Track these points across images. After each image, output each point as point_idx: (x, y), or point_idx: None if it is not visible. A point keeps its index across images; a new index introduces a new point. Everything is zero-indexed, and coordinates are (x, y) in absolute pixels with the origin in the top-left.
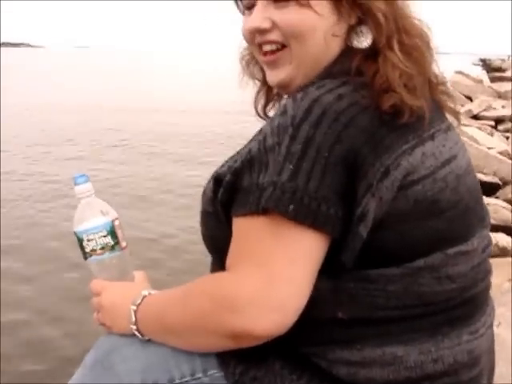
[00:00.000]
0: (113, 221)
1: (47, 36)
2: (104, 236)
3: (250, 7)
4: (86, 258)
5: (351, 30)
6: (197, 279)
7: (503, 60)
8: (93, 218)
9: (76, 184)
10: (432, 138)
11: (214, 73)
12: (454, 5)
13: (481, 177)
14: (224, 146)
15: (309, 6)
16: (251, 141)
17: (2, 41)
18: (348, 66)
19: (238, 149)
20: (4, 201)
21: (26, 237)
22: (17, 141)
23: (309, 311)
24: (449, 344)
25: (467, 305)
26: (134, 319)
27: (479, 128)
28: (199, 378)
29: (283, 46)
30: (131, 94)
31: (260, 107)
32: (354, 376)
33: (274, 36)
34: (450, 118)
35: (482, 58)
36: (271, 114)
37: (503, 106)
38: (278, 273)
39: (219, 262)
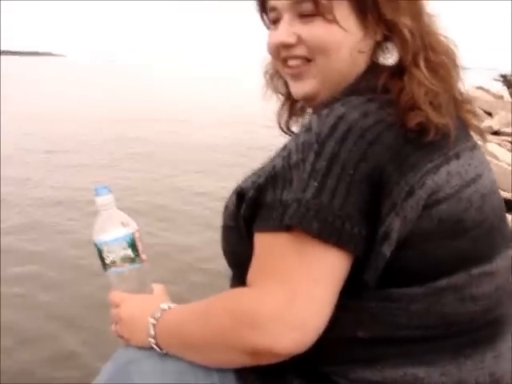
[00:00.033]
0: (133, 233)
1: (68, 46)
2: (124, 248)
3: (275, 21)
4: (105, 270)
5: (377, 47)
6: (217, 294)
7: None
8: (113, 230)
9: (97, 195)
10: (457, 156)
11: (228, 84)
12: (474, 19)
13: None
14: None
15: (335, 22)
16: (275, 156)
17: (25, 50)
18: (374, 82)
19: (255, 160)
20: (17, 207)
21: (47, 245)
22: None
23: (329, 330)
24: (471, 366)
25: (491, 326)
26: (152, 332)
27: (499, 144)
28: None
29: (308, 60)
30: (149, 103)
31: (283, 121)
32: None
33: (299, 51)
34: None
35: (503, 73)
36: (294, 128)
37: None
38: (300, 291)
39: (239, 277)
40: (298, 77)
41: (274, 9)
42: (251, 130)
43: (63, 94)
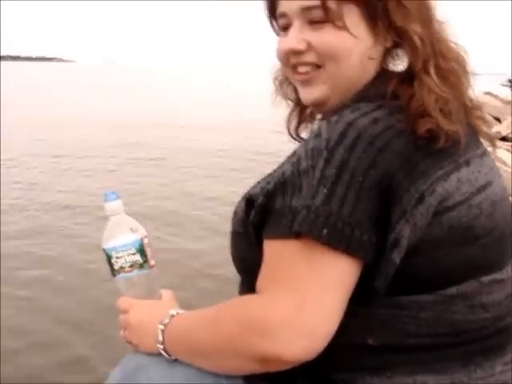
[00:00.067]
0: (142, 239)
1: (78, 51)
2: (133, 254)
3: (285, 28)
4: (114, 275)
5: (387, 53)
6: (226, 301)
7: None
8: (122, 236)
9: (106, 201)
10: (467, 163)
11: (230, 89)
12: (482, 24)
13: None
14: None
15: (345, 29)
16: (284, 162)
17: (36, 55)
18: (384, 89)
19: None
20: (25, 211)
21: (58, 249)
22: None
23: (339, 337)
24: (482, 374)
25: (501, 334)
26: (161, 338)
27: (507, 150)
28: None
29: (318, 67)
30: (158, 108)
31: (292, 128)
32: None
33: (309, 57)
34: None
35: (511, 78)
36: (303, 134)
37: None
38: (309, 298)
39: (248, 284)
40: (307, 83)
41: (283, 15)
42: (260, 135)
43: (72, 100)
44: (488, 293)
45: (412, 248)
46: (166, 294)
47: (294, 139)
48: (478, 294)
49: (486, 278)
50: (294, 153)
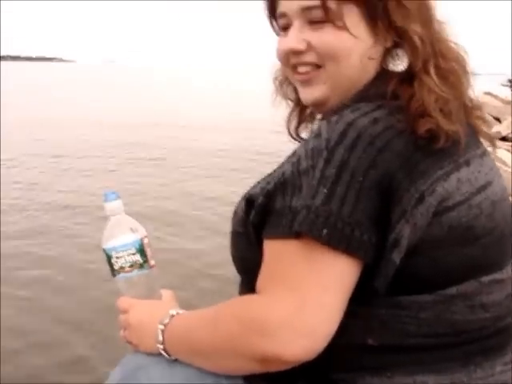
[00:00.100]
0: (142, 239)
1: (78, 51)
2: (133, 254)
3: (285, 28)
4: (114, 275)
5: (387, 53)
6: (226, 301)
7: None
8: (122, 236)
9: (106, 201)
10: (467, 163)
11: (229, 89)
12: (482, 24)
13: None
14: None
15: (345, 29)
16: (284, 162)
17: (36, 55)
18: (383, 89)
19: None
20: (25, 211)
21: (58, 249)
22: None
23: (339, 337)
24: (482, 374)
25: (501, 334)
26: (161, 339)
27: (507, 150)
28: None
29: (318, 67)
30: (158, 108)
31: (292, 128)
32: None
33: (309, 58)
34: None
35: (511, 78)
36: (303, 134)
37: None
38: (309, 298)
39: (248, 283)
40: (307, 82)
41: (283, 15)
42: (260, 135)
43: (72, 99)
44: (488, 293)
45: (412, 248)
46: (166, 293)
47: (294, 139)
48: (478, 294)
49: (486, 278)
50: (294, 153)
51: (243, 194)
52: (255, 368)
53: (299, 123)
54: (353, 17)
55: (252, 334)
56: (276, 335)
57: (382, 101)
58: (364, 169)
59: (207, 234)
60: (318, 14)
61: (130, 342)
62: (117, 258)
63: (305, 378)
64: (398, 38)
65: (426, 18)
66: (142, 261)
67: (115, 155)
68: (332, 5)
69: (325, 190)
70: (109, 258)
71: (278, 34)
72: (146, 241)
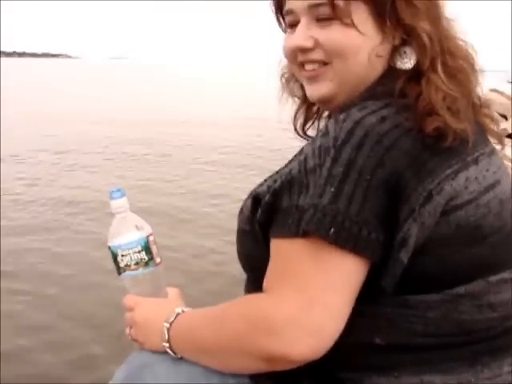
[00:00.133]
0: (147, 236)
1: (84, 47)
2: (138, 251)
3: (292, 25)
4: (119, 273)
5: (395, 51)
6: (232, 299)
7: None
8: (127, 233)
9: (112, 198)
10: (476, 162)
11: (240, 86)
12: (487, 20)
13: None
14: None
15: (352, 26)
16: (291, 161)
17: (42, 51)
18: (391, 87)
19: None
20: (29, 207)
21: (63, 245)
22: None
23: (346, 336)
24: (489, 374)
25: (509, 334)
26: (166, 337)
27: None
28: None
29: (325, 64)
30: (161, 105)
31: (299, 125)
32: None
33: (316, 55)
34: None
35: None
36: (310, 132)
37: None
38: (316, 297)
39: (254, 281)
40: (314, 79)
41: (290, 12)
42: (266, 132)
43: (76, 95)
44: (496, 292)
45: (420, 247)
46: (172, 291)
47: (301, 137)
48: (485, 294)
49: (493, 278)
50: (301, 151)
51: (250, 191)
52: (261, 367)
53: (306, 121)
54: (360, 14)
55: (258, 333)
56: (283, 334)
57: (389, 99)
58: (371, 167)
59: (214, 232)
60: (325, 11)
61: (135, 340)
62: (122, 255)
63: (311, 377)
64: (406, 36)
65: (435, 15)
66: (147, 259)
67: (120, 151)
68: (340, 2)
69: (332, 189)
70: (114, 255)
71: (284, 32)
72: (151, 238)
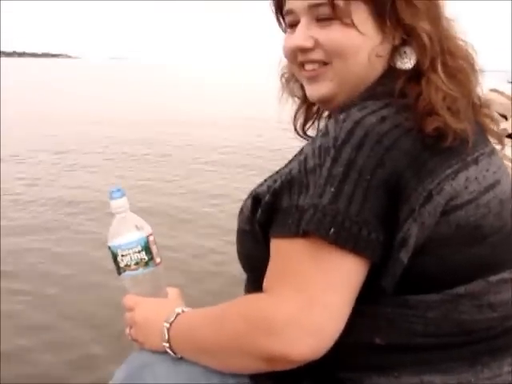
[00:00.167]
0: (147, 236)
1: (84, 47)
2: (138, 251)
3: (292, 25)
4: (119, 273)
5: (395, 51)
6: (232, 299)
7: None
8: (127, 233)
9: (112, 198)
10: (476, 162)
11: (238, 86)
12: (487, 20)
13: None
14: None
15: (352, 26)
16: (292, 161)
17: (42, 51)
18: (391, 87)
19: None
20: (29, 207)
21: (63, 245)
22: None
23: (346, 336)
24: (489, 374)
25: (509, 334)
26: (166, 337)
27: None
28: None
29: (325, 64)
30: (161, 105)
31: (299, 125)
32: None
33: (316, 55)
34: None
35: None
36: (310, 132)
37: None
38: (316, 297)
39: (254, 281)
40: (314, 79)
41: (290, 12)
42: (266, 132)
43: (76, 95)
44: (496, 292)
45: (420, 247)
46: (172, 291)
47: (301, 136)
48: (485, 294)
49: (494, 278)
50: (301, 151)
51: (250, 191)
52: (261, 367)
53: (306, 121)
54: (360, 14)
55: (258, 333)
56: (283, 334)
57: (389, 99)
58: (371, 167)
59: (214, 232)
60: (325, 11)
61: (135, 340)
62: (122, 255)
63: (311, 377)
64: (406, 36)
65: (435, 15)
66: (147, 259)
67: (118, 151)
68: (340, 2)
69: (332, 189)
70: (114, 255)
71: (284, 32)
72: (151, 238)
